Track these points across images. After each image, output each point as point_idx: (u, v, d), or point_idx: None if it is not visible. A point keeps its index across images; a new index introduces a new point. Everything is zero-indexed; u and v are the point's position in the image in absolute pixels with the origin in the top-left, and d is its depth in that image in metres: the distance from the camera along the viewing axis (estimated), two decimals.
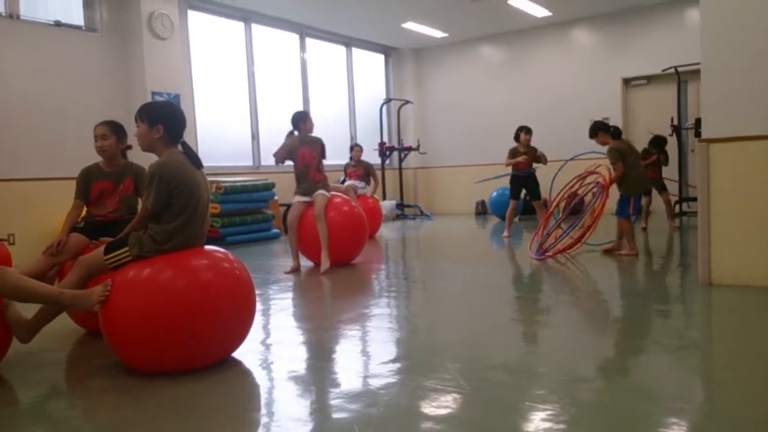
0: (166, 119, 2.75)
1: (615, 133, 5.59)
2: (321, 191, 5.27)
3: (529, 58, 10.65)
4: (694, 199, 8.22)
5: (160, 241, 2.64)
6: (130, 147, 3.59)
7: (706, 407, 2.12)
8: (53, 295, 2.60)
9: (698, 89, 8.87)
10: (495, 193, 10.04)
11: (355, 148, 8.58)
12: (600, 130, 5.56)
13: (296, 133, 5.39)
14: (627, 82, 9.92)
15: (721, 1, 3.86)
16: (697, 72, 7.59)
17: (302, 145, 5.35)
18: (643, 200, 7.41)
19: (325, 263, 5.06)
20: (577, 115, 10.15)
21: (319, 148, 5.41)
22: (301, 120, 5.41)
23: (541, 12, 9.51)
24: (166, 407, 2.24)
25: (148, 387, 2.43)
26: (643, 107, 9.89)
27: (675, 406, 2.06)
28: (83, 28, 7.00)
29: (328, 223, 5.13)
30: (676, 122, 8.60)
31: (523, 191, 7.33)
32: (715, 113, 3.89)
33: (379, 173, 10.42)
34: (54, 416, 2.26)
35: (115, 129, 3.50)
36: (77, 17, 6.98)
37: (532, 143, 7.24)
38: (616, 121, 9.87)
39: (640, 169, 5.54)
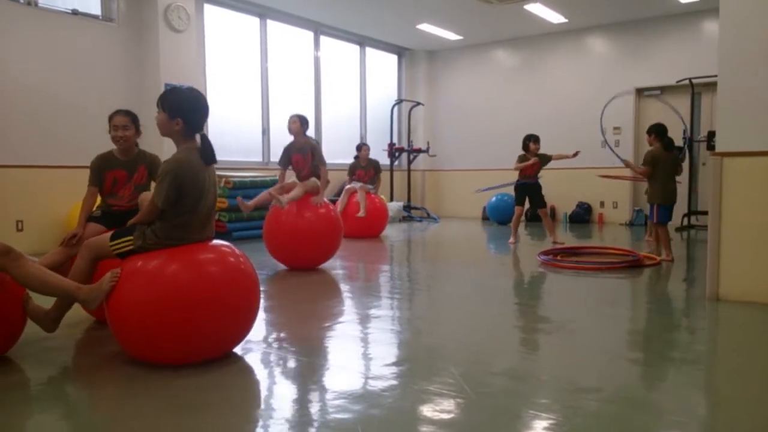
0: (186, 112, 2.69)
1: (665, 142, 5.83)
2: (314, 179, 5.36)
3: (543, 65, 10.63)
4: (704, 213, 8.20)
5: (162, 236, 2.64)
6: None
7: (708, 422, 2.11)
8: (70, 289, 2.61)
9: (712, 102, 8.86)
10: (494, 199, 10.03)
11: (363, 148, 8.35)
12: (654, 132, 5.92)
13: None
14: (640, 92, 9.88)
15: (740, 15, 3.84)
16: (711, 84, 7.59)
17: (296, 152, 5.46)
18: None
19: (284, 198, 5.05)
20: (588, 124, 10.11)
21: (309, 154, 5.40)
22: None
23: (557, 18, 9.48)
24: (171, 400, 2.25)
25: (153, 378, 2.44)
26: (656, 118, 9.82)
27: (677, 420, 2.05)
28: (100, 17, 7.04)
29: (303, 224, 5.11)
30: (688, 134, 8.56)
31: (527, 201, 7.27)
32: (729, 127, 3.87)
33: (387, 174, 10.44)
34: (62, 405, 2.27)
35: (134, 119, 3.52)
36: (94, 6, 7.01)
37: (541, 150, 7.22)
38: (627, 131, 9.86)
39: (672, 185, 5.77)
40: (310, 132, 9.68)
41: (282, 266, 5.38)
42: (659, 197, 5.72)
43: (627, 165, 6.38)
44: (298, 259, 5.27)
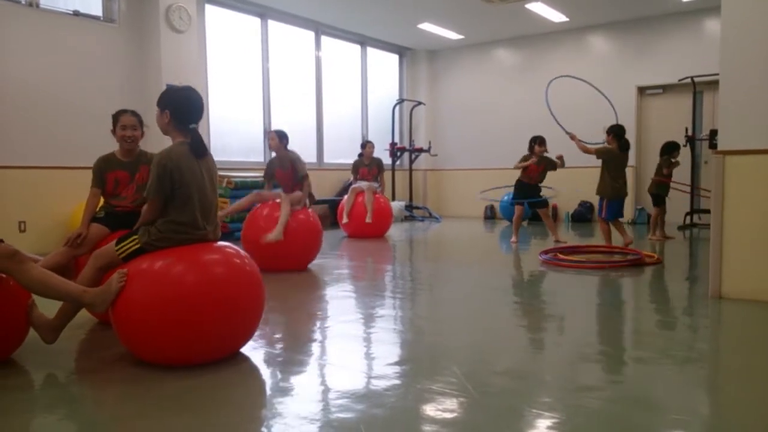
0: (172, 105, 2.78)
1: (622, 143, 6.13)
2: (298, 192, 5.32)
3: (545, 63, 10.61)
4: (706, 211, 8.19)
5: (164, 229, 2.66)
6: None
7: (712, 421, 2.11)
8: (76, 293, 2.61)
9: (714, 100, 8.84)
10: (506, 197, 10.06)
11: (368, 145, 8.28)
12: (613, 133, 6.17)
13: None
14: (642, 90, 9.86)
15: (742, 14, 3.83)
16: (713, 83, 7.58)
17: (278, 167, 5.46)
18: (654, 210, 7.39)
19: (273, 234, 4.93)
20: (590, 122, 10.10)
21: (290, 167, 5.37)
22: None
23: (558, 17, 9.48)
24: (175, 400, 2.25)
25: (157, 379, 2.44)
26: (658, 116, 9.84)
27: (680, 419, 2.05)
28: (101, 18, 7.04)
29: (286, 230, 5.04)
30: (690, 132, 8.56)
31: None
32: (731, 125, 3.87)
33: (389, 174, 10.43)
34: (66, 405, 2.27)
35: (140, 120, 3.55)
36: (96, 7, 7.02)
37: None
38: (630, 129, 9.78)
39: (620, 182, 6.15)
40: (311, 132, 9.78)
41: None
42: (608, 193, 6.10)
43: (572, 138, 6.50)
44: (276, 264, 5.13)
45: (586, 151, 6.25)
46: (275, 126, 9.11)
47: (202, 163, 2.79)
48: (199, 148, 2.78)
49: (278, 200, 5.24)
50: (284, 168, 5.41)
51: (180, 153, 2.72)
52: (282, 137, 5.44)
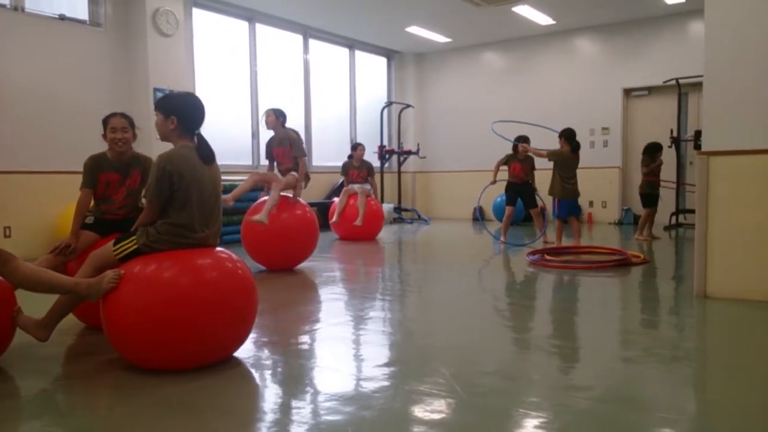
0: (179, 111, 2.77)
1: (573, 145, 6.50)
2: (293, 173, 5.38)
3: (532, 66, 10.68)
4: (691, 211, 8.27)
5: (164, 231, 2.65)
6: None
7: (699, 419, 2.13)
8: (68, 285, 2.59)
9: (699, 101, 8.93)
10: (499, 198, 10.08)
11: (359, 148, 8.21)
12: (564, 137, 6.48)
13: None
14: (628, 92, 9.95)
15: (726, 15, 3.88)
16: (697, 84, 7.67)
17: (276, 145, 5.53)
18: (645, 211, 7.45)
19: (260, 215, 4.98)
20: (577, 124, 10.13)
21: (288, 145, 5.44)
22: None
23: (545, 20, 9.54)
24: (167, 405, 2.24)
25: (148, 384, 2.43)
26: (644, 118, 9.92)
27: (668, 417, 2.07)
28: (87, 22, 7.01)
29: (280, 223, 5.11)
30: (675, 134, 8.64)
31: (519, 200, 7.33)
32: (716, 126, 3.91)
33: (377, 176, 10.44)
34: (54, 411, 2.26)
35: (131, 122, 3.44)
36: (82, 11, 6.98)
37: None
38: (616, 131, 9.92)
39: (572, 182, 6.44)
40: (302, 134, 9.74)
41: (266, 268, 5.38)
42: (558, 192, 6.43)
43: (523, 150, 6.85)
44: (275, 260, 5.30)
45: (539, 154, 6.51)
46: (263, 129, 9.05)
47: (209, 169, 2.79)
48: (209, 155, 2.80)
49: (275, 183, 5.28)
50: (283, 146, 5.43)
51: (181, 156, 2.71)
52: (279, 115, 5.47)
